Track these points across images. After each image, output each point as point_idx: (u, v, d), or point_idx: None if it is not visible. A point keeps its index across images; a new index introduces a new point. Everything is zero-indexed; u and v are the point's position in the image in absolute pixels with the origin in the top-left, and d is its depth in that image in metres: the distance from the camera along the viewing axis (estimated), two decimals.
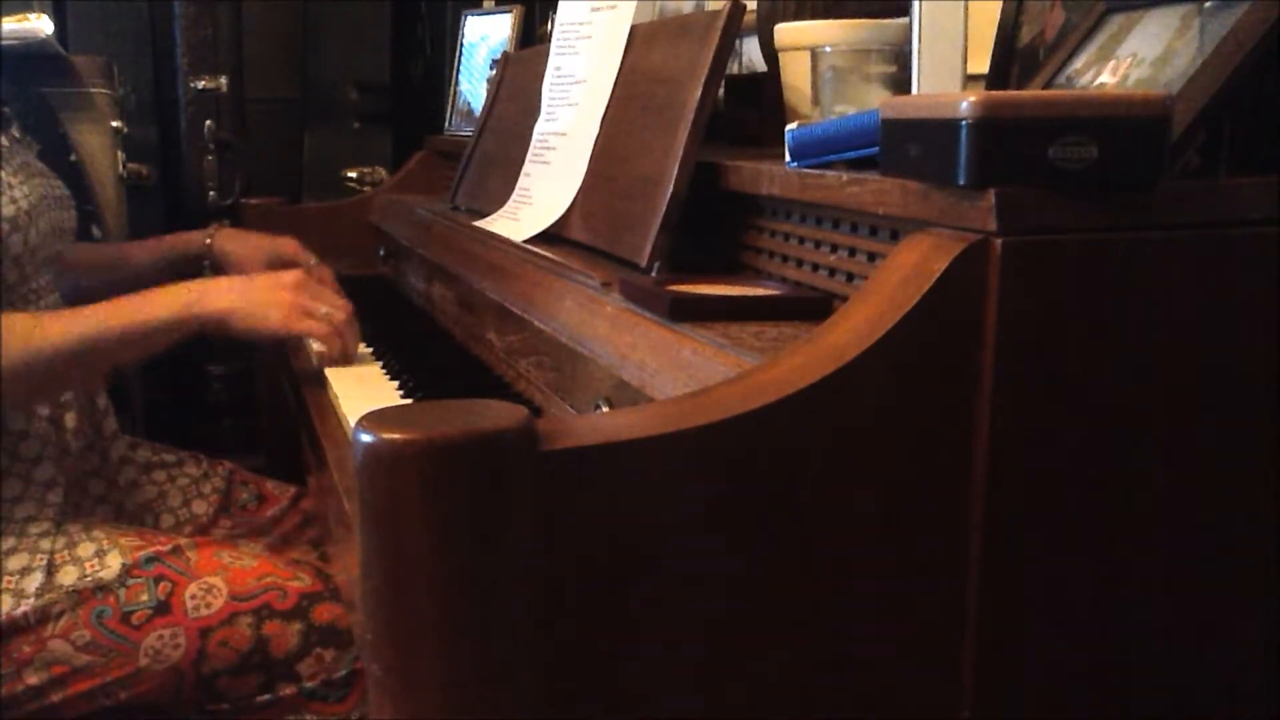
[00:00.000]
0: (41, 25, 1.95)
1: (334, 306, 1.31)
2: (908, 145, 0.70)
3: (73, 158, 2.06)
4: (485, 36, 2.24)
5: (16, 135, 1.44)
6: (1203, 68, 0.73)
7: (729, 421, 0.61)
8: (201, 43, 2.59)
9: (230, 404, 2.58)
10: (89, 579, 1.20)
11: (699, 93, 1.07)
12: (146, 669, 1.18)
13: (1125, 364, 0.66)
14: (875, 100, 0.95)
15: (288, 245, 1.70)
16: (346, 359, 1.34)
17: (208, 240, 1.65)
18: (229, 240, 1.68)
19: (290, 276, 1.30)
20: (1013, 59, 0.97)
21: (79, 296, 1.46)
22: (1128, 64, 0.81)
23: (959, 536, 0.66)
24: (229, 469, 1.56)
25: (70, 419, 1.32)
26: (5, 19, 1.92)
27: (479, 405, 0.59)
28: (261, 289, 1.27)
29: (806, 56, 1.08)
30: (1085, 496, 0.67)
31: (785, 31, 1.24)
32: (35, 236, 1.28)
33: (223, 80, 2.60)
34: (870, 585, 0.66)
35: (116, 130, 2.13)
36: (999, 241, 0.63)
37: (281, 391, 1.61)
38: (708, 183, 1.05)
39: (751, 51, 1.67)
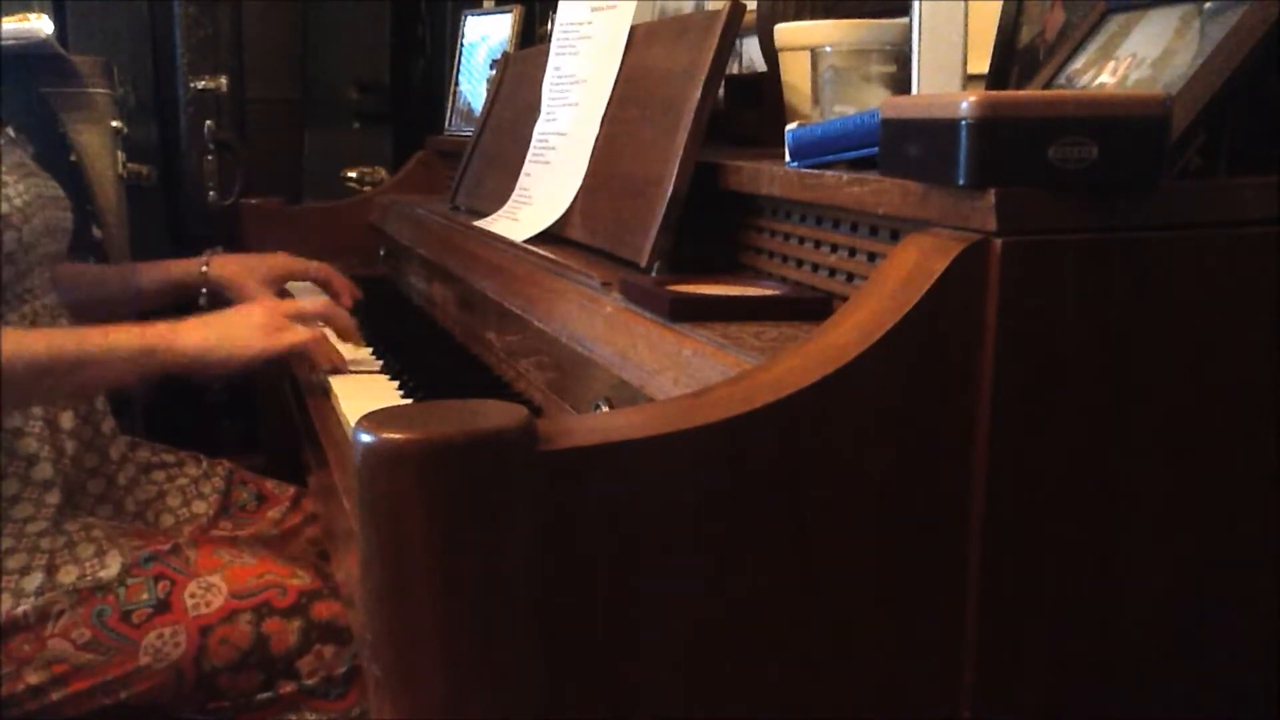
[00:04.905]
0: (41, 25, 1.95)
1: (310, 304, 1.32)
2: (908, 145, 0.70)
3: (73, 158, 2.05)
4: (485, 36, 2.24)
5: (11, 134, 1.43)
6: (1203, 68, 0.73)
7: (729, 421, 0.61)
8: (201, 43, 2.59)
9: (230, 404, 2.58)
10: (89, 578, 1.20)
11: (699, 93, 1.07)
12: (147, 667, 1.18)
13: (1125, 364, 0.66)
14: (875, 100, 0.95)
15: (281, 259, 1.70)
16: (344, 361, 1.35)
17: (203, 269, 1.65)
18: (223, 266, 1.67)
19: (260, 304, 1.32)
20: (1013, 59, 0.97)
21: (80, 314, 1.46)
22: (1128, 64, 0.81)
23: (959, 536, 0.66)
24: (229, 469, 1.56)
25: (67, 419, 1.32)
26: (5, 19, 1.91)
27: (479, 405, 0.59)
28: (233, 320, 1.27)
29: (806, 56, 1.08)
30: (1085, 496, 0.67)
31: (785, 31, 1.24)
32: (30, 234, 1.28)
33: (223, 80, 2.59)
34: (870, 585, 0.66)
35: (116, 130, 2.13)
36: (999, 241, 0.63)
37: (281, 391, 1.61)
38: (708, 183, 1.05)
39: (751, 51, 1.67)
